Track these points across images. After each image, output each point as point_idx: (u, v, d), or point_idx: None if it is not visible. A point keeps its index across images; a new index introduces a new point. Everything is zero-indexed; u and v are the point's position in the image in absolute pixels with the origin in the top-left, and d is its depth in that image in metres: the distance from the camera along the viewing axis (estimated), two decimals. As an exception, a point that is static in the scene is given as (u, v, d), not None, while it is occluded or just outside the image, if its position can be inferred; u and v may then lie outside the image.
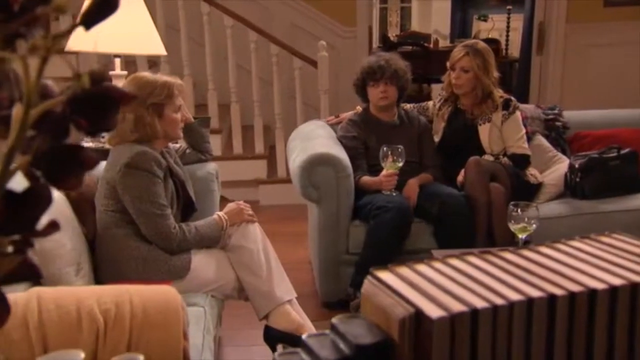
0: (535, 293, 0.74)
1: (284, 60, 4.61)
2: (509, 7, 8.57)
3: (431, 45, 7.53)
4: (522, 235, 2.42)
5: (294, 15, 5.49)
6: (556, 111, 3.68)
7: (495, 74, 3.31)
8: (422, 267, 0.82)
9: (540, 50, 6.09)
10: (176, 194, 2.43)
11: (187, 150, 2.72)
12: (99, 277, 2.31)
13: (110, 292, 1.40)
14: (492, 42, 7.20)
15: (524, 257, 0.86)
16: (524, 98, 6.31)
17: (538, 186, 3.30)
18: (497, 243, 2.90)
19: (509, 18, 8.50)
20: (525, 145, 3.30)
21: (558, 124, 3.62)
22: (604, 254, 0.86)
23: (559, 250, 0.88)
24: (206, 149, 2.76)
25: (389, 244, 2.86)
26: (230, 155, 4.67)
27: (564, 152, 3.56)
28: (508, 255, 0.86)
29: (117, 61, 2.93)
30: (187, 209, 2.53)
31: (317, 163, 2.93)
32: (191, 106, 4.59)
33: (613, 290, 0.76)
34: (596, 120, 3.68)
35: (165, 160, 2.36)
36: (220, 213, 2.47)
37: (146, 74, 2.42)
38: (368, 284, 0.79)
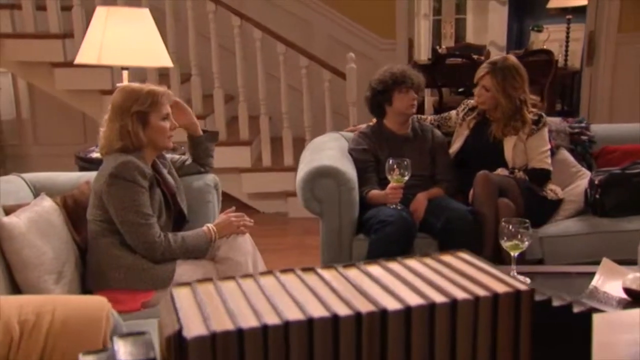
0: (318, 312, 0.71)
1: (314, 72, 4.62)
2: (568, 16, 8.30)
3: (482, 58, 7.37)
4: (514, 253, 2.33)
5: (332, 28, 5.50)
6: (583, 124, 3.54)
7: (523, 95, 3.18)
8: (228, 284, 0.80)
9: (590, 61, 5.88)
10: (165, 204, 2.45)
11: (187, 162, 2.75)
12: (88, 285, 2.36)
13: (35, 302, 1.42)
14: (545, 53, 6.99)
15: (344, 276, 0.82)
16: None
17: (557, 202, 3.18)
18: (505, 260, 2.80)
19: (568, 28, 8.23)
20: (548, 160, 3.18)
21: (584, 137, 3.47)
22: (431, 273, 0.82)
23: (386, 268, 0.84)
24: (208, 162, 2.78)
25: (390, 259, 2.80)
26: (260, 167, 4.70)
27: (589, 167, 3.40)
28: (327, 274, 0.83)
29: (125, 73, 3.00)
30: (178, 219, 2.56)
31: (320, 175, 2.91)
32: (222, 119, 4.66)
33: (407, 310, 0.72)
34: (625, 135, 3.51)
35: (151, 171, 2.38)
36: (210, 225, 2.47)
37: (133, 84, 2.47)
38: (163, 301, 0.78)
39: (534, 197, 3.07)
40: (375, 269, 0.83)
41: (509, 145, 3.16)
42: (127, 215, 2.29)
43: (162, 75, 4.62)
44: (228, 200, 4.90)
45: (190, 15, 4.52)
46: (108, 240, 2.33)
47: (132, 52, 2.82)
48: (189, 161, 2.74)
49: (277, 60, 4.57)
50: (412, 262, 0.85)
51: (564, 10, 8.70)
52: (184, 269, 2.36)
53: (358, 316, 0.71)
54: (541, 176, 3.16)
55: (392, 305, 0.72)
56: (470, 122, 3.31)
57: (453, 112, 3.48)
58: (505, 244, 2.32)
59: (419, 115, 3.48)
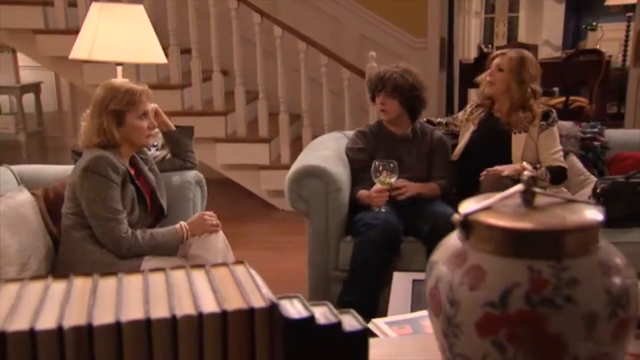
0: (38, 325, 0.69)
1: (336, 71, 4.58)
2: (629, 14, 7.92)
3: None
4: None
5: (364, 26, 5.45)
6: (596, 129, 3.36)
7: (536, 87, 3.10)
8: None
9: (638, 61, 5.60)
10: (140, 200, 2.46)
11: (167, 157, 2.76)
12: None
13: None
14: (595, 53, 6.70)
15: (94, 286, 0.80)
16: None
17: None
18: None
19: (628, 26, 7.86)
20: (562, 159, 3.07)
21: (596, 143, 3.30)
22: (183, 286, 0.78)
23: (146, 279, 0.81)
24: (189, 158, 2.78)
25: (374, 263, 2.75)
26: (279, 164, 4.69)
27: (601, 174, 3.23)
28: (80, 282, 0.81)
29: (119, 69, 3.05)
30: (157, 215, 2.58)
31: (306, 175, 2.87)
32: (242, 116, 4.68)
33: (117, 325, 0.69)
34: (642, 141, 3.32)
35: (125, 166, 2.40)
36: (184, 223, 2.47)
37: (115, 80, 2.50)
38: None
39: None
40: (135, 279, 0.80)
41: (519, 142, 3.06)
42: (96, 209, 2.31)
43: (185, 72, 4.68)
44: (247, 197, 4.94)
45: (212, 12, 4.55)
46: (79, 234, 2.36)
47: (125, 48, 2.86)
48: (169, 156, 2.75)
49: (298, 58, 4.55)
50: (179, 273, 0.82)
51: (626, 8, 8.32)
52: (150, 265, 2.37)
53: (60, 330, 0.68)
54: (559, 174, 3.04)
55: (101, 319, 0.69)
56: (475, 119, 3.23)
57: (460, 112, 3.41)
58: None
59: (427, 118, 3.43)
